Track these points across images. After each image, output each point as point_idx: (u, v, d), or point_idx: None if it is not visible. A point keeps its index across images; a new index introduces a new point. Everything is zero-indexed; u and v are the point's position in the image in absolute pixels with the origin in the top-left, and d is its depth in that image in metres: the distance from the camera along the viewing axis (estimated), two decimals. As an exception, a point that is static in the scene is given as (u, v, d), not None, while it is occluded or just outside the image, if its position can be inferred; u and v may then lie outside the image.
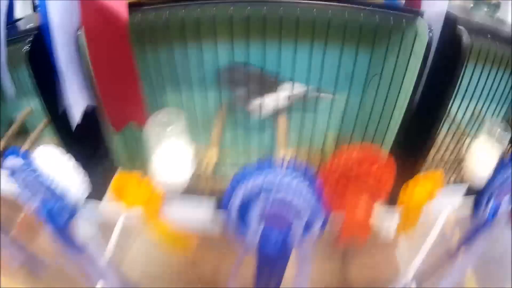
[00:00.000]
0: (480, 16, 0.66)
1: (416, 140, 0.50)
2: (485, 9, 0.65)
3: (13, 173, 0.58)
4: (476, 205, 0.55)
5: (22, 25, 0.61)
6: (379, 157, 0.47)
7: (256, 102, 0.54)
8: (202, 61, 0.50)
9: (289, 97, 0.55)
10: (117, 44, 0.44)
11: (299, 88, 0.55)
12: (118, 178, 0.54)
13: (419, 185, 0.52)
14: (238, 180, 0.48)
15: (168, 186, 0.48)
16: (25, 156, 0.55)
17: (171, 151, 0.43)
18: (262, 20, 0.44)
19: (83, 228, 0.61)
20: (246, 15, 0.44)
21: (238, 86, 0.53)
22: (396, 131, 0.48)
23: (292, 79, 0.53)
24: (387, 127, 0.49)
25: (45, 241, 0.62)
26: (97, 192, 0.62)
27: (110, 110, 0.50)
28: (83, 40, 0.44)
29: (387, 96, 0.48)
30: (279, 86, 0.55)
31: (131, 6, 0.43)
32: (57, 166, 0.56)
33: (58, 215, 0.59)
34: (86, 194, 0.60)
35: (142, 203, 0.55)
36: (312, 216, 0.50)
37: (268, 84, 0.54)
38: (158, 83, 0.50)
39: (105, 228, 0.64)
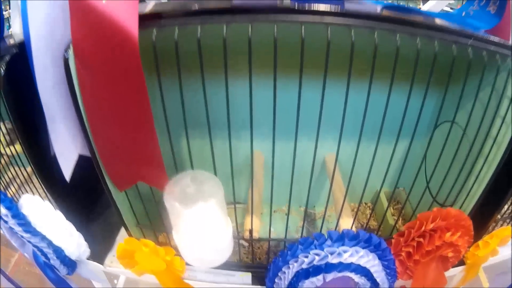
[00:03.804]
0: None
1: (493, 194, 0.43)
2: None
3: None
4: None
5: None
6: (458, 224, 0.38)
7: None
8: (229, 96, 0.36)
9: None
10: (123, 73, 0.29)
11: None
12: (126, 245, 0.41)
13: (486, 247, 0.45)
14: (287, 256, 0.37)
15: (198, 265, 0.35)
16: (10, 205, 0.44)
17: (204, 227, 0.30)
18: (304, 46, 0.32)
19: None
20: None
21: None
22: (480, 190, 0.39)
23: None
24: (463, 185, 0.40)
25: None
26: (96, 254, 0.50)
27: (111, 168, 0.36)
28: (73, 64, 0.29)
29: (458, 146, 0.39)
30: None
31: (142, 20, 0.28)
32: (47, 223, 0.45)
33: (52, 269, 0.49)
34: (85, 256, 0.49)
35: (157, 273, 0.43)
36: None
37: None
38: (174, 125, 0.34)
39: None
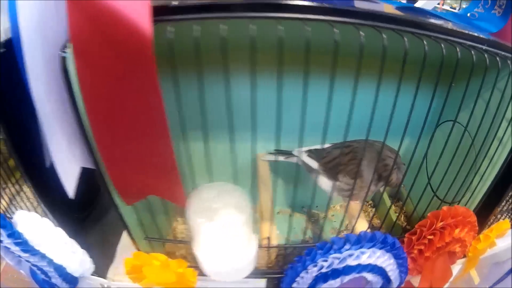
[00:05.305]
0: None
1: (493, 191, 0.45)
2: None
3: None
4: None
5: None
6: (465, 221, 0.40)
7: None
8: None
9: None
10: (133, 74, 0.26)
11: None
12: (135, 260, 0.39)
13: (486, 240, 0.47)
14: (306, 262, 0.37)
15: (219, 279, 0.35)
16: (3, 222, 0.40)
17: (230, 244, 0.29)
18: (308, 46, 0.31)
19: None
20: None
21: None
22: (485, 188, 0.41)
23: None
24: (469, 185, 0.41)
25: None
26: (97, 267, 0.47)
27: (119, 181, 0.33)
28: (72, 65, 0.26)
29: (458, 146, 0.40)
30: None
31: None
32: (47, 241, 0.42)
33: (51, 287, 0.46)
34: (89, 272, 0.46)
35: (167, 285, 0.42)
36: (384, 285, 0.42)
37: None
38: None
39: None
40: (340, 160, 0.38)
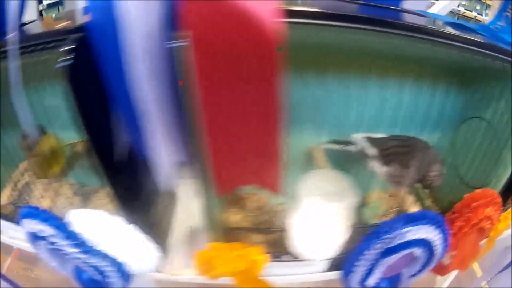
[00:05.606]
0: None
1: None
2: None
3: (35, 239, 0.43)
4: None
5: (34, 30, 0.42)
6: (493, 201, 0.48)
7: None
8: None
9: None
10: (255, 70, 0.27)
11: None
12: (211, 251, 0.43)
13: (505, 221, 0.55)
14: (372, 240, 0.43)
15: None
16: (58, 223, 0.40)
17: (333, 226, 0.34)
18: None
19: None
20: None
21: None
22: (507, 174, 0.49)
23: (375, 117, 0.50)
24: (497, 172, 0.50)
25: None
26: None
27: (222, 173, 0.36)
28: (185, 55, 0.26)
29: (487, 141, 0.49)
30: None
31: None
32: (115, 240, 0.42)
33: (98, 285, 0.45)
34: (156, 269, 0.47)
35: (235, 274, 0.45)
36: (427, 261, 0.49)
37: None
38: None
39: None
40: (395, 150, 0.45)
